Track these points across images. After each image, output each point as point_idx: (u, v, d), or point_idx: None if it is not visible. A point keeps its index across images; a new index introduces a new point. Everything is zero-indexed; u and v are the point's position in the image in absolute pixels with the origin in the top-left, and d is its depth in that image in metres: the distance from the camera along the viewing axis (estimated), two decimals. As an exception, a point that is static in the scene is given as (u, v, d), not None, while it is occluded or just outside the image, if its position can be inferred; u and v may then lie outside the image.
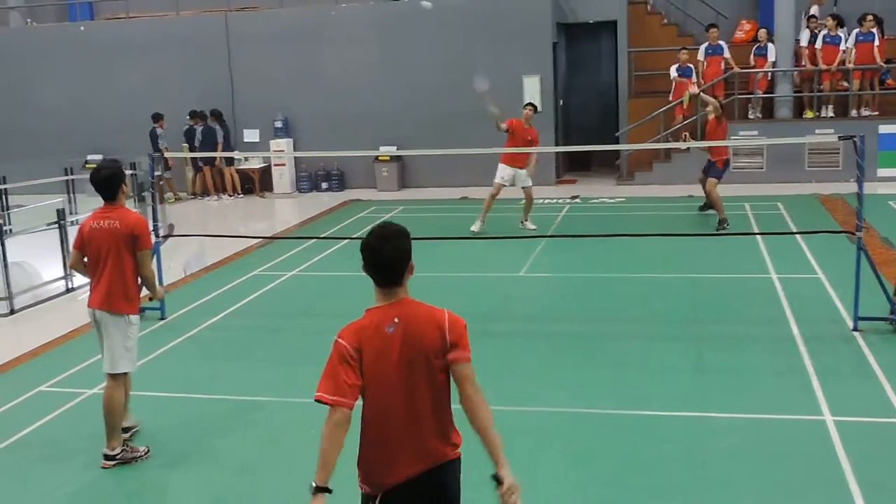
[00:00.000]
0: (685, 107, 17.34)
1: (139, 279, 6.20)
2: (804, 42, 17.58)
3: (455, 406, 3.62)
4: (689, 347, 8.14)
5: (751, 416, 6.53)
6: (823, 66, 17.31)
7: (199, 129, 19.10)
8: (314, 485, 3.47)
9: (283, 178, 19.70)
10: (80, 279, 11.51)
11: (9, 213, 14.62)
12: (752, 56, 18.09)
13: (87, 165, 20.25)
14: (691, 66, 17.77)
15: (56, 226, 11.24)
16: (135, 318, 6.21)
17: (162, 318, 9.63)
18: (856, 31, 17.20)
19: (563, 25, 19.70)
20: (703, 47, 17.98)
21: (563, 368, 7.83)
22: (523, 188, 13.59)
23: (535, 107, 13.88)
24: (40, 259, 11.57)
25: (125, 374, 6.22)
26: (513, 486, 3.50)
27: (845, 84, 17.71)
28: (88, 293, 6.22)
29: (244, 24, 20.09)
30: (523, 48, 18.47)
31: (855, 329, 8.21)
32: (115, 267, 6.05)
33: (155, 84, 20.31)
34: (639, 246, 11.92)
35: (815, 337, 8.13)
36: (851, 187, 10.41)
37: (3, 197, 16.11)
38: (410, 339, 3.55)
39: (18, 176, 16.31)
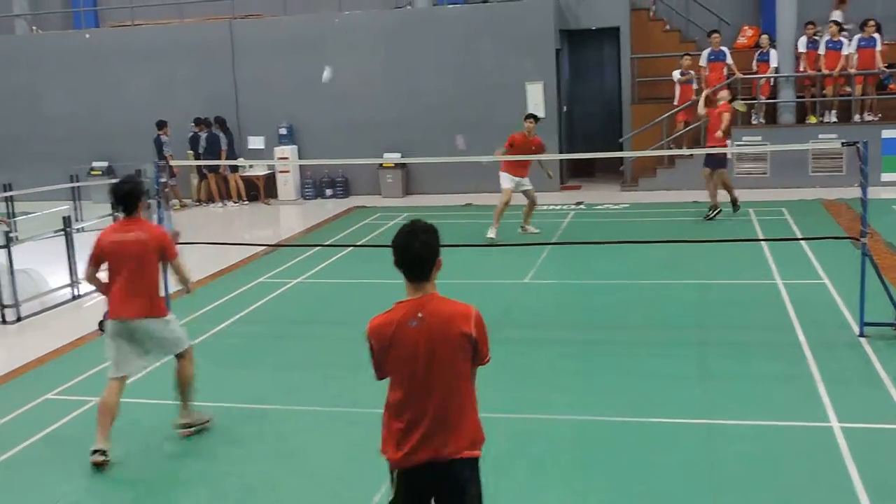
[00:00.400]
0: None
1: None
2: (802, 48, 17.61)
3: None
4: (694, 354, 8.14)
5: (757, 423, 6.52)
6: (826, 72, 17.33)
7: (203, 136, 19.14)
8: None
9: (287, 185, 19.74)
10: (86, 287, 11.55)
11: (15, 221, 14.66)
12: (754, 62, 18.10)
13: (92, 172, 20.35)
14: (692, 72, 17.80)
15: (62, 233, 11.27)
16: (171, 315, 6.67)
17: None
18: (857, 36, 17.23)
19: (566, 32, 19.74)
20: (705, 53, 17.99)
21: (567, 375, 7.83)
22: (525, 192, 13.56)
23: (536, 118, 13.70)
24: (47, 266, 11.58)
25: (189, 347, 6.67)
26: None
27: (848, 89, 17.72)
28: (111, 305, 6.38)
29: (248, 32, 20.15)
30: (527, 55, 18.50)
31: (861, 335, 8.20)
32: (150, 276, 6.42)
33: (160, 91, 20.37)
34: (643, 252, 11.91)
35: (821, 343, 8.13)
36: (855, 192, 10.43)
37: (10, 204, 16.14)
38: (433, 335, 3.73)
39: (24, 183, 16.37)
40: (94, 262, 6.41)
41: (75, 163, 19.35)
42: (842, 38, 17.27)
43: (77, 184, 17.36)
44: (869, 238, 8.33)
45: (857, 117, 17.52)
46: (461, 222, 14.87)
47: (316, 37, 19.60)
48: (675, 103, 17.91)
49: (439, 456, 3.73)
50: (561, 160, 18.97)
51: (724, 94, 14.73)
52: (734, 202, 14.51)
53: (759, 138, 17.44)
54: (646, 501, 5.48)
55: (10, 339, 10.04)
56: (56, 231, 11.42)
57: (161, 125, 19.06)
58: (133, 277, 6.31)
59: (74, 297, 11.37)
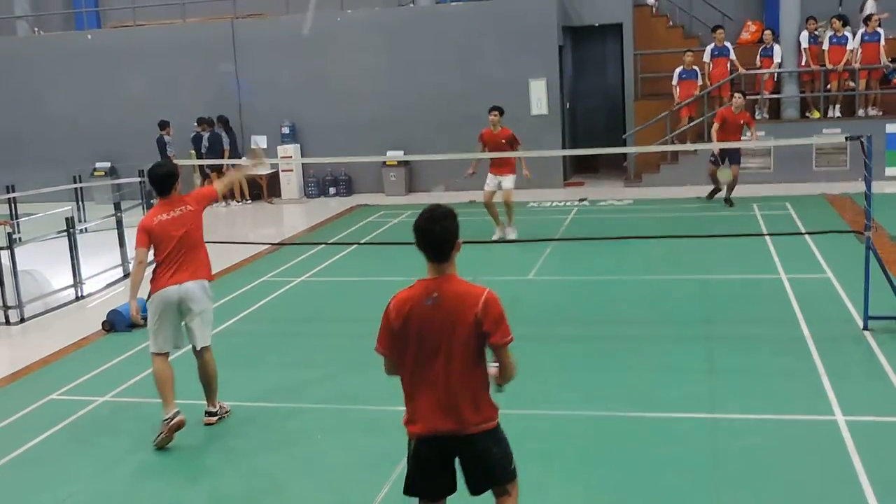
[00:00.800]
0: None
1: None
2: (805, 44, 17.57)
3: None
4: (699, 349, 8.12)
5: (762, 417, 6.52)
6: (830, 67, 17.30)
7: (205, 135, 19.15)
8: None
9: (290, 183, 19.75)
10: (89, 287, 11.59)
11: (18, 222, 14.68)
12: (758, 57, 18.06)
13: (95, 173, 20.39)
14: (696, 68, 17.77)
15: (65, 234, 11.28)
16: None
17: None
18: (861, 31, 17.20)
19: (568, 29, 19.71)
20: (708, 49, 17.96)
21: (573, 371, 7.83)
22: (504, 191, 13.02)
23: (500, 110, 12.88)
24: (50, 268, 11.60)
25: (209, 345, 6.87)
26: None
27: (851, 84, 17.68)
28: (160, 281, 6.55)
29: (251, 31, 20.15)
30: (529, 52, 18.49)
31: (865, 328, 8.19)
32: (200, 242, 6.77)
33: (162, 91, 20.38)
34: (648, 248, 11.90)
35: (826, 337, 8.11)
36: (859, 187, 10.40)
37: (13, 205, 16.16)
38: (446, 314, 3.99)
39: (27, 184, 16.38)
40: (145, 245, 6.58)
41: (78, 164, 19.36)
42: (845, 33, 17.24)
43: (80, 185, 17.36)
44: (873, 232, 8.31)
45: (860, 112, 17.48)
46: (464, 220, 14.71)
47: (318, 35, 19.58)
48: (676, 101, 17.84)
49: (453, 430, 3.99)
50: (564, 156, 18.98)
51: (740, 103, 14.94)
52: (715, 193, 15.34)
53: (763, 133, 17.40)
54: (652, 495, 5.48)
55: (13, 339, 10.06)
56: (59, 232, 11.43)
57: (163, 125, 19.06)
58: (184, 247, 6.60)
59: (78, 298, 11.38)
